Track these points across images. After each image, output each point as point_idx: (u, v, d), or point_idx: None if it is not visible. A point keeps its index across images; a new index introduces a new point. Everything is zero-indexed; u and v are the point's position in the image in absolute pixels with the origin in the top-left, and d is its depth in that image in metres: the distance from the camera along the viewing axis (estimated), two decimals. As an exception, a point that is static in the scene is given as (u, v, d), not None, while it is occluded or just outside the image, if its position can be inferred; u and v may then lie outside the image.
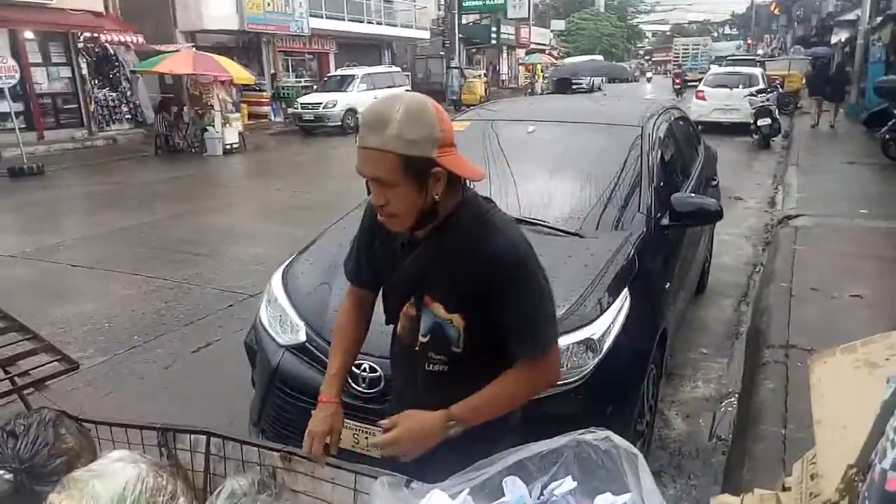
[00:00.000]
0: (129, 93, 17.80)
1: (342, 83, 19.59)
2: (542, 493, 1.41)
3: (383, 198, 1.43)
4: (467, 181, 1.53)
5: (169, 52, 15.89)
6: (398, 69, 23.24)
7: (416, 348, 1.63)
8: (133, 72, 17.12)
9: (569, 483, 1.41)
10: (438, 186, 1.42)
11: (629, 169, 3.37)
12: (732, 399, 3.62)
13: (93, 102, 16.95)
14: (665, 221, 3.18)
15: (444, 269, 1.53)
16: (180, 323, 4.79)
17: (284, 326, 2.71)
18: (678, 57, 45.48)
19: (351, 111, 18.62)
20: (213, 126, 14.55)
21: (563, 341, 2.37)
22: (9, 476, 1.61)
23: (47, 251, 6.82)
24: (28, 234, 7.63)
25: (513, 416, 1.73)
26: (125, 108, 17.88)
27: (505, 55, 39.40)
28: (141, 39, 16.97)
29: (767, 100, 14.59)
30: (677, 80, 31.63)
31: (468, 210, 1.52)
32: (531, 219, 3.11)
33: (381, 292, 1.76)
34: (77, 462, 1.77)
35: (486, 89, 27.22)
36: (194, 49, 16.18)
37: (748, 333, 4.45)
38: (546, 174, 3.42)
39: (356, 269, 1.76)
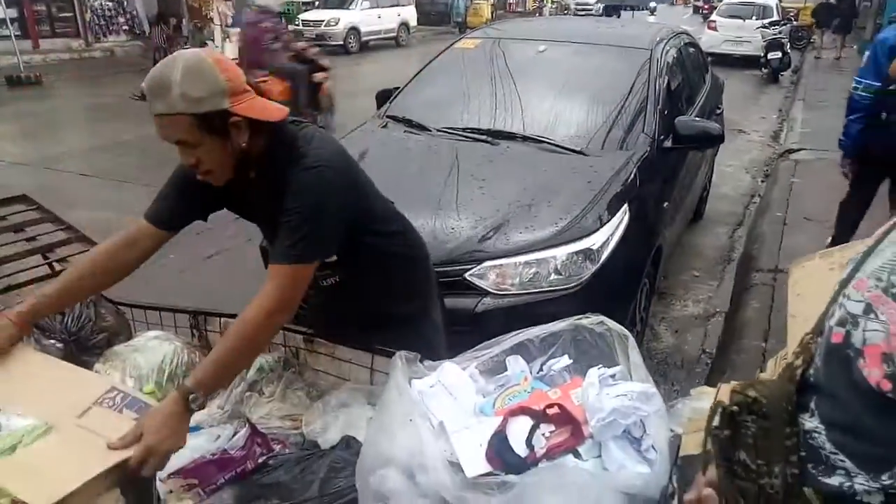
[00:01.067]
0: (125, 2, 17.27)
1: (344, 0, 18.99)
2: (541, 369, 1.58)
3: (193, 158, 1.42)
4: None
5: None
6: (403, -13, 22.45)
7: None
8: (129, -20, 16.57)
9: (565, 360, 1.58)
10: (242, 135, 1.42)
11: (636, 91, 3.43)
12: (719, 317, 3.81)
13: (89, 11, 16.48)
14: (668, 144, 3.27)
15: (283, 196, 1.47)
16: (190, 231, 4.87)
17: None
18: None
19: (354, 30, 18.13)
20: (213, 40, 14.20)
21: (564, 251, 2.53)
22: (60, 345, 1.78)
23: (52, 160, 6.87)
24: (30, 144, 7.65)
25: None
26: (122, 19, 17.39)
27: (513, -24, 37.93)
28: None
29: (780, 33, 14.24)
30: (706, 7, 30.35)
31: (281, 141, 1.50)
32: (537, 136, 3.20)
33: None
34: (116, 339, 1.94)
35: (492, 12, 26.37)
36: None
37: (740, 258, 4.62)
38: (554, 93, 3.48)
39: (162, 210, 1.68)
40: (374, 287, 1.75)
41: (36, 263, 2.11)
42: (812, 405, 0.86)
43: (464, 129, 3.32)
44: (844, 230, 3.85)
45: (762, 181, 6.72)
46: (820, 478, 0.82)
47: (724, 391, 0.98)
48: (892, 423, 0.75)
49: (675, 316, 3.89)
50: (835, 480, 0.81)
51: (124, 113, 9.59)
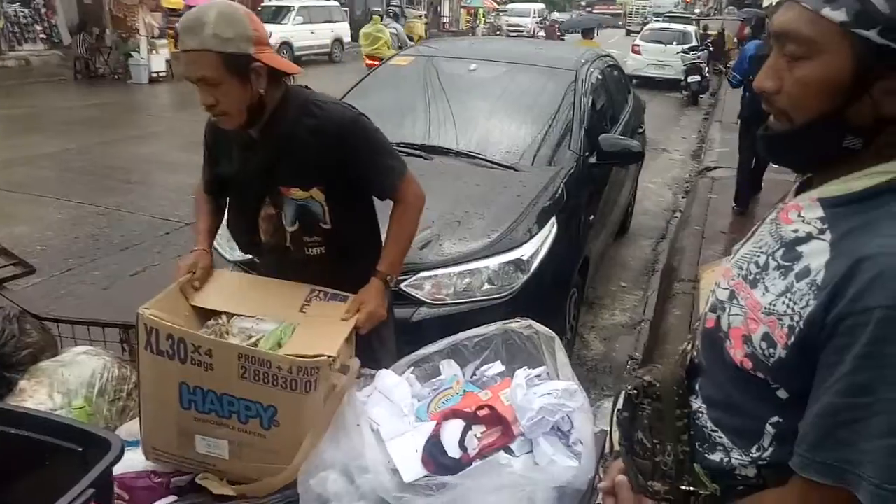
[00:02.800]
0: (43, 10, 16.52)
1: (277, 15, 18.80)
2: (474, 373, 1.65)
3: (212, 98, 1.55)
4: (292, 78, 1.72)
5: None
6: (336, 3, 22.45)
7: (288, 244, 1.78)
8: (48, -12, 15.87)
9: (498, 367, 1.65)
10: (261, 81, 1.57)
11: (563, 110, 3.59)
12: (645, 325, 4.00)
13: (2, 18, 15.66)
14: (593, 160, 3.43)
15: (289, 157, 1.70)
16: (116, 248, 4.77)
17: (232, 244, 2.82)
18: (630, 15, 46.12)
19: (286, 45, 17.96)
20: (139, 52, 13.80)
21: (496, 261, 2.62)
22: (-21, 361, 1.70)
23: (-36, 174, 6.49)
24: (-61, 157, 7.20)
25: None
26: (39, 27, 16.61)
27: (446, -3, 38.59)
28: (56, -48, 15.69)
29: (699, 58, 15.08)
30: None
31: (293, 99, 1.70)
32: (470, 152, 3.30)
33: (228, 218, 1.92)
34: (41, 356, 1.86)
35: (426, 31, 26.74)
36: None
37: (663, 269, 4.86)
38: (485, 111, 3.60)
39: (208, 183, 1.90)
40: (352, 260, 1.82)
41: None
42: (697, 387, 0.95)
43: (398, 144, 3.36)
44: (743, 181, 5.88)
45: (683, 197, 7.09)
46: (705, 455, 0.91)
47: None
48: (754, 397, 0.84)
49: (604, 325, 4.05)
50: (716, 457, 0.89)
51: (41, 126, 9.18)
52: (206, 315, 1.59)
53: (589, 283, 3.71)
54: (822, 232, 0.79)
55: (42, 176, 6.56)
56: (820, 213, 0.80)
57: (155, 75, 13.97)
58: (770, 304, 0.80)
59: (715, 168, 7.69)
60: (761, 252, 0.86)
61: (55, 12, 16.53)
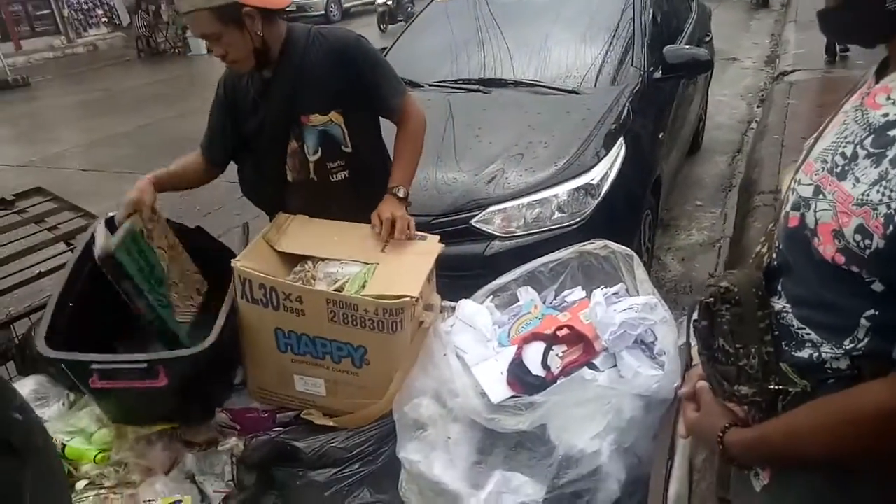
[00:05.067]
0: (101, -6, 17.06)
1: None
2: (555, 298, 1.67)
3: (220, 49, 1.68)
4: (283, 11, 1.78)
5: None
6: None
7: (312, 175, 1.87)
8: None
9: (578, 292, 1.67)
10: (256, 23, 1.67)
11: (622, 26, 3.43)
12: (724, 242, 3.88)
13: (66, 7, 16.28)
14: (658, 74, 3.29)
15: (305, 84, 1.79)
16: (198, 214, 5.00)
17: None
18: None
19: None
20: (195, 23, 14.04)
21: (564, 188, 2.60)
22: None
23: (53, 159, 6.93)
24: (29, 145, 7.70)
25: None
26: (100, 12, 17.19)
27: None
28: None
29: (767, -46, 13.90)
30: None
31: (296, 33, 1.80)
32: (529, 80, 3.23)
33: (247, 180, 1.98)
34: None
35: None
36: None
37: (741, 184, 4.65)
38: (541, 36, 3.49)
39: (209, 144, 1.94)
40: (373, 182, 1.90)
41: (60, 251, 2.20)
42: (779, 287, 0.93)
43: (455, 81, 3.35)
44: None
45: (758, 107, 6.69)
46: (792, 353, 0.89)
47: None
48: (847, 293, 0.81)
49: (681, 245, 3.96)
50: (805, 353, 0.88)
51: (115, 107, 9.62)
52: (293, 260, 1.67)
53: (663, 203, 3.61)
54: None
55: (123, 154, 6.92)
56: None
57: (214, 44, 14.19)
58: (863, 194, 0.77)
59: (792, 72, 7.17)
60: (847, 142, 0.82)
61: (111, -5, 17.03)
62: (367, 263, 1.60)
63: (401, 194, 1.79)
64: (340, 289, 1.54)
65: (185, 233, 1.84)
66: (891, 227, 0.73)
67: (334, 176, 1.88)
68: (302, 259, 1.67)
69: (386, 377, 1.50)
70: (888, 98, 0.79)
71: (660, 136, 3.24)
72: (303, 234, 1.72)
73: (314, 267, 1.62)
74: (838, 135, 0.85)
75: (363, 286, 1.53)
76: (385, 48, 3.90)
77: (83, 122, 9.04)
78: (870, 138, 0.79)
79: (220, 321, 1.46)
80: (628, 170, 2.75)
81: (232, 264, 1.53)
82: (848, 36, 0.87)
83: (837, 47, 6.70)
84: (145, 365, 1.38)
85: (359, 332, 1.46)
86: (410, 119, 1.89)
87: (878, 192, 0.75)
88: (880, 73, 0.85)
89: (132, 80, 11.95)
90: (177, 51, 14.44)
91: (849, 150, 0.81)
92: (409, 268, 1.58)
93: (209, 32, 1.64)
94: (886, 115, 0.78)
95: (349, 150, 1.86)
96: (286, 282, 1.53)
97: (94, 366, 1.40)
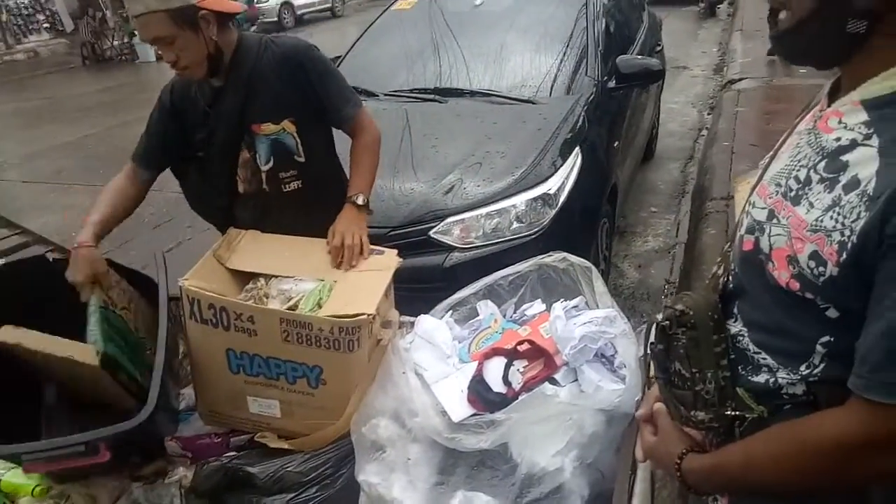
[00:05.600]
0: (43, 0, 16.46)
1: (274, -25, 18.37)
2: (515, 312, 1.65)
3: (172, 54, 1.62)
4: (236, 21, 1.78)
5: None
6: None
7: (264, 185, 1.83)
8: (44, -26, 15.75)
9: (537, 305, 1.65)
10: (211, 28, 1.64)
11: (576, 36, 3.46)
12: (679, 248, 3.95)
13: (4, 12, 15.66)
14: (612, 84, 3.32)
15: (257, 92, 1.76)
16: (147, 227, 4.85)
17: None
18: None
19: (287, 5, 17.66)
20: (143, 30, 13.70)
21: (522, 198, 2.59)
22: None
23: (-8, 171, 6.63)
24: (-33, 156, 7.35)
25: None
26: (41, 17, 16.59)
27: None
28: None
29: (713, -35, 14.33)
30: None
31: (247, 41, 1.77)
32: (485, 90, 3.23)
33: (193, 190, 1.92)
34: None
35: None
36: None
37: (693, 190, 4.75)
38: (496, 46, 3.49)
39: (146, 151, 1.84)
40: (326, 193, 1.88)
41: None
42: (735, 310, 0.92)
43: (411, 91, 3.32)
44: None
45: (708, 114, 6.87)
46: (749, 377, 0.88)
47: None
48: (802, 319, 0.80)
49: (638, 252, 4.01)
50: (761, 378, 0.87)
51: (58, 115, 9.27)
52: (244, 278, 1.61)
53: (619, 211, 3.65)
54: (867, 137, 0.74)
55: (66, 165, 6.66)
56: (864, 116, 0.75)
57: (161, 52, 13.87)
58: (816, 220, 0.75)
59: (740, 80, 7.39)
60: (801, 165, 0.81)
61: (55, 0, 16.45)
62: (322, 280, 1.55)
63: (360, 202, 1.75)
64: (294, 307, 1.48)
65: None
66: (844, 255, 0.72)
67: (287, 186, 1.84)
68: (254, 276, 1.61)
69: (343, 397, 1.46)
70: (840, 122, 0.78)
71: (615, 144, 3.27)
72: (255, 250, 1.66)
73: (267, 284, 1.57)
74: (791, 158, 0.85)
75: (318, 304, 1.48)
76: (339, 56, 3.86)
77: (24, 132, 8.68)
78: (823, 163, 0.78)
79: (156, 378, 1.34)
80: (585, 179, 2.76)
81: (179, 283, 1.46)
82: (803, 58, 0.86)
83: None
84: (83, 447, 1.29)
85: (314, 352, 1.41)
86: (365, 131, 1.86)
87: (831, 218, 0.74)
88: (832, 95, 0.84)
89: (77, 87, 11.56)
90: (123, 58, 14.06)
91: (802, 175, 0.81)
92: (366, 284, 1.54)
93: (163, 35, 1.58)
94: (839, 139, 0.77)
95: (302, 159, 1.83)
96: (237, 301, 1.47)
97: (26, 457, 1.31)
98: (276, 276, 1.59)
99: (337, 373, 1.43)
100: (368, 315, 1.40)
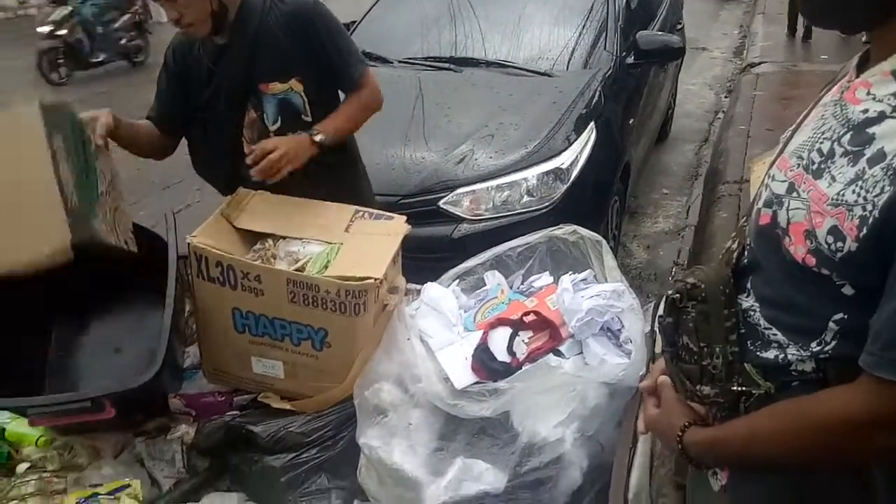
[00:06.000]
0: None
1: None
2: (522, 283, 1.64)
3: (175, 12, 1.62)
4: None
5: None
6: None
7: None
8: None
9: (546, 278, 1.64)
10: None
11: (595, 9, 3.40)
12: (689, 230, 3.92)
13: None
14: (630, 59, 3.27)
15: (264, 50, 1.73)
16: (157, 188, 4.85)
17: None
18: None
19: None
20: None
21: (534, 172, 2.57)
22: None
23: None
24: None
25: None
26: None
27: None
28: None
29: (738, -55, 14.02)
30: None
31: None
32: (501, 61, 3.18)
33: (200, 156, 1.90)
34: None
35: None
36: None
37: (707, 173, 4.70)
38: (514, 16, 3.44)
39: (159, 115, 1.84)
40: (333, 155, 1.86)
41: None
42: (748, 285, 0.90)
43: (425, 59, 3.28)
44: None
45: (725, 97, 6.77)
46: (758, 353, 0.87)
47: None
48: (816, 295, 0.79)
49: (647, 233, 3.99)
50: (770, 354, 0.86)
51: (69, 77, 9.21)
52: (253, 238, 1.61)
53: (630, 190, 3.63)
54: None
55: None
56: (894, 87, 0.73)
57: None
58: (838, 194, 0.74)
59: (759, 63, 7.26)
60: (824, 138, 0.79)
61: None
62: (331, 243, 1.54)
63: (317, 138, 1.73)
64: (302, 268, 1.48)
65: None
66: (864, 230, 0.71)
67: None
68: (262, 237, 1.60)
69: (347, 361, 1.46)
70: (868, 93, 0.76)
71: (630, 122, 3.24)
72: (264, 210, 1.65)
73: (275, 245, 1.56)
74: (815, 130, 0.82)
75: (325, 266, 1.47)
76: (354, 22, 3.81)
77: (34, 90, 8.66)
78: (848, 135, 0.76)
79: (164, 337, 1.34)
80: (598, 155, 2.74)
81: (187, 240, 1.45)
82: (830, 17, 0.82)
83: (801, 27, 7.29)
84: (89, 403, 1.30)
85: (320, 314, 1.40)
86: (366, 88, 1.85)
87: (853, 192, 0.72)
88: (861, 67, 0.82)
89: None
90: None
91: (825, 147, 0.79)
92: (374, 248, 1.53)
93: None
94: (866, 111, 0.75)
95: (309, 119, 1.81)
96: (245, 260, 1.47)
97: (31, 411, 1.33)
98: (285, 238, 1.58)
99: (342, 336, 1.43)
100: (376, 279, 1.39)
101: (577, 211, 2.62)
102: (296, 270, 1.46)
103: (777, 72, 6.90)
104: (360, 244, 1.55)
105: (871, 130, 0.73)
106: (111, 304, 1.71)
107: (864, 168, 0.72)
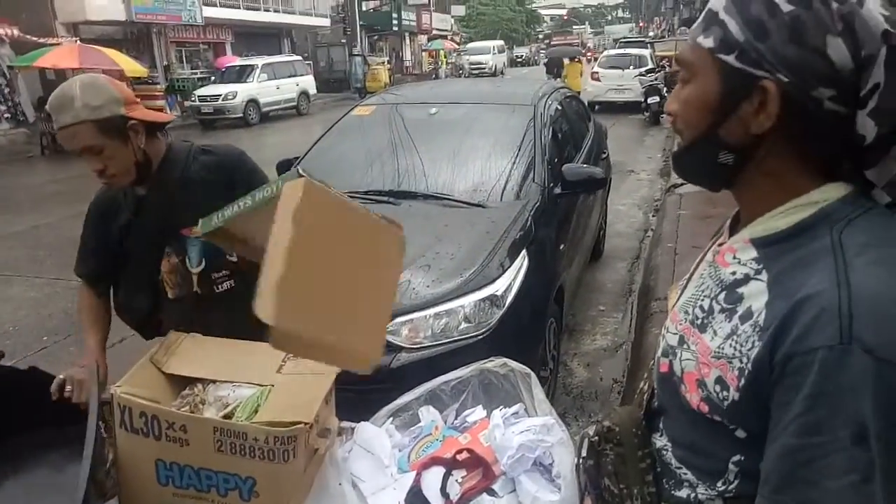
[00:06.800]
0: (6, 90, 16.55)
1: (241, 74, 19.04)
2: (456, 417, 1.65)
3: (100, 163, 1.64)
4: (165, 131, 1.83)
5: (50, 45, 14.90)
6: (299, 58, 22.83)
7: (196, 288, 1.83)
8: (11, 67, 15.91)
9: (479, 412, 1.65)
10: (140, 137, 1.67)
11: (524, 144, 3.66)
12: (626, 347, 4.02)
13: (-35, 102, 15.66)
14: (558, 190, 3.49)
15: (187, 199, 1.77)
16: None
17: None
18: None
19: (252, 102, 18.21)
20: (106, 122, 13.83)
21: (470, 299, 2.64)
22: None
23: (-68, 261, 6.40)
24: None
25: None
26: (3, 107, 16.62)
27: (407, 41, 39.41)
28: (17, 32, 15.77)
29: (656, 79, 15.49)
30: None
31: (175, 149, 1.82)
32: (437, 194, 3.35)
33: (119, 300, 1.92)
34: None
35: (390, 76, 27.20)
36: (78, 42, 15.27)
37: (639, 290, 4.90)
38: (449, 152, 3.66)
39: (92, 266, 1.89)
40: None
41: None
42: (661, 425, 0.95)
43: (366, 192, 3.42)
44: None
45: (653, 216, 7.20)
46: (672, 492, 0.91)
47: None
48: (715, 438, 0.84)
49: (586, 350, 4.07)
50: (683, 493, 0.89)
51: (10, 205, 9.12)
52: (182, 382, 1.58)
53: (567, 310, 3.74)
54: (758, 272, 0.80)
55: (11, 256, 6.50)
56: (753, 253, 0.82)
57: (123, 143, 13.95)
58: (719, 347, 0.81)
59: (682, 185, 7.82)
60: (704, 296, 0.88)
61: (17, 92, 16.55)
62: (262, 385, 1.53)
63: None
64: (230, 414, 1.45)
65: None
66: (742, 380, 0.77)
67: (219, 286, 1.85)
68: (192, 381, 1.58)
69: (278, 509, 1.41)
70: (734, 257, 0.85)
71: (561, 247, 3.40)
72: (194, 354, 1.64)
73: (204, 390, 1.54)
74: (697, 288, 0.91)
75: (255, 411, 1.45)
76: (297, 157, 3.97)
77: (-28, 221, 8.49)
78: (722, 294, 0.84)
79: (80, 490, 1.23)
80: (532, 280, 2.84)
81: (111, 391, 1.42)
82: (693, 179, 0.94)
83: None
84: None
85: (248, 462, 1.37)
86: None
87: (731, 346, 0.79)
88: (733, 227, 0.92)
89: (33, 177, 11.47)
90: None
91: (706, 304, 0.86)
92: (306, 389, 1.52)
93: (91, 145, 1.60)
94: (734, 273, 0.84)
95: (234, 259, 1.84)
96: (169, 409, 1.43)
97: None
98: (215, 382, 1.56)
99: (270, 484, 1.38)
100: (305, 423, 1.38)
101: (515, 334, 2.69)
102: (224, 417, 1.43)
103: (698, 192, 7.39)
104: (292, 385, 1.54)
105: (740, 290, 0.82)
106: (29, 452, 1.62)
107: (737, 324, 0.80)
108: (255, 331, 1.69)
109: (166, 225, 1.77)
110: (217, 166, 1.82)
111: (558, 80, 13.38)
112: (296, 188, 1.13)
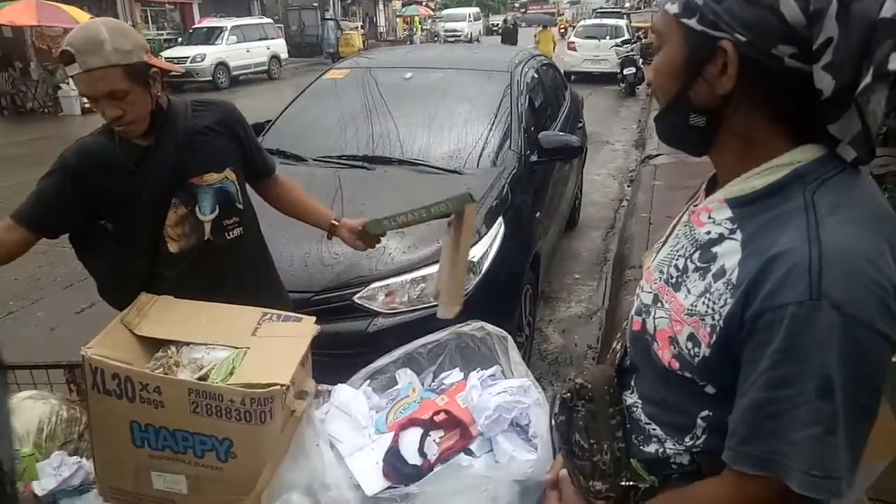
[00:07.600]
0: (-38, 48, 15.85)
1: (209, 36, 18.48)
2: (433, 381, 1.65)
3: (119, 109, 1.61)
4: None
5: (5, 1, 14.27)
6: (269, 20, 22.22)
7: (208, 236, 1.83)
8: (-35, 24, 15.22)
9: (456, 374, 1.66)
10: (158, 85, 1.69)
11: (501, 111, 3.63)
12: (601, 314, 4.08)
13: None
14: (534, 158, 3.48)
15: (193, 148, 1.78)
16: (59, 286, 4.61)
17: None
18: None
19: (222, 65, 17.73)
20: (68, 83, 13.38)
21: (447, 265, 2.63)
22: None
23: None
24: None
25: None
26: (-40, 66, 15.94)
27: (381, 6, 38.60)
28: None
29: (631, 50, 15.47)
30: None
31: (175, 103, 1.82)
32: (413, 159, 3.32)
33: (108, 268, 1.85)
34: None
35: (363, 41, 26.66)
36: (36, -3, 14.64)
37: (614, 259, 4.96)
38: (425, 118, 3.62)
39: (35, 211, 1.76)
40: (260, 239, 2.01)
41: None
42: (632, 382, 0.98)
43: (340, 157, 3.37)
44: None
45: (628, 186, 7.26)
46: (641, 447, 0.94)
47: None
48: (684, 394, 0.87)
49: (562, 317, 4.12)
50: (651, 448, 0.92)
51: (-30, 166, 8.80)
52: (155, 345, 1.56)
53: (543, 277, 3.76)
54: (732, 232, 0.82)
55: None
56: (728, 213, 0.84)
57: (87, 106, 13.53)
58: (692, 305, 0.82)
59: (657, 156, 7.88)
60: (679, 255, 0.89)
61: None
62: (236, 348, 1.52)
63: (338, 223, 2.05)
64: (205, 376, 1.43)
65: None
66: (714, 337, 0.79)
67: (230, 233, 1.86)
68: (164, 344, 1.55)
69: (255, 471, 1.40)
70: (709, 217, 0.87)
71: (537, 215, 3.40)
72: (166, 316, 1.61)
73: (178, 352, 1.51)
74: (672, 248, 0.92)
75: (231, 373, 1.43)
76: (268, 121, 3.89)
77: (-71, 183, 8.19)
78: (697, 253, 0.86)
79: None
80: (508, 247, 2.85)
81: (82, 352, 1.39)
82: (672, 143, 0.94)
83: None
84: None
85: (224, 424, 1.36)
86: (291, 182, 2.10)
87: (703, 303, 0.81)
88: (710, 189, 0.93)
89: (-7, 138, 11.08)
90: (46, 110, 13.60)
91: (681, 263, 0.88)
92: (281, 352, 1.51)
93: (118, 90, 1.58)
94: (709, 232, 0.85)
95: (241, 206, 1.88)
96: (143, 371, 1.41)
97: None
98: (188, 344, 1.54)
99: (247, 446, 1.38)
100: (282, 385, 1.37)
101: (491, 301, 2.70)
102: (199, 379, 1.42)
103: (673, 163, 7.47)
104: (267, 348, 1.53)
105: (714, 249, 0.83)
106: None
107: (710, 282, 0.81)
108: (265, 276, 1.84)
109: (175, 175, 1.74)
110: (219, 120, 1.85)
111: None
112: (471, 211, 1.81)
